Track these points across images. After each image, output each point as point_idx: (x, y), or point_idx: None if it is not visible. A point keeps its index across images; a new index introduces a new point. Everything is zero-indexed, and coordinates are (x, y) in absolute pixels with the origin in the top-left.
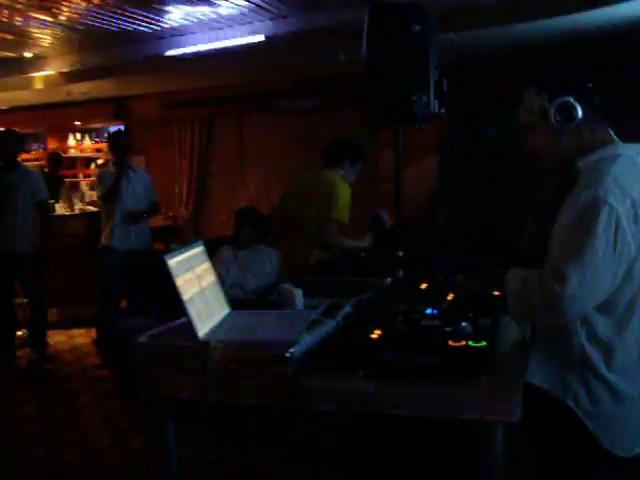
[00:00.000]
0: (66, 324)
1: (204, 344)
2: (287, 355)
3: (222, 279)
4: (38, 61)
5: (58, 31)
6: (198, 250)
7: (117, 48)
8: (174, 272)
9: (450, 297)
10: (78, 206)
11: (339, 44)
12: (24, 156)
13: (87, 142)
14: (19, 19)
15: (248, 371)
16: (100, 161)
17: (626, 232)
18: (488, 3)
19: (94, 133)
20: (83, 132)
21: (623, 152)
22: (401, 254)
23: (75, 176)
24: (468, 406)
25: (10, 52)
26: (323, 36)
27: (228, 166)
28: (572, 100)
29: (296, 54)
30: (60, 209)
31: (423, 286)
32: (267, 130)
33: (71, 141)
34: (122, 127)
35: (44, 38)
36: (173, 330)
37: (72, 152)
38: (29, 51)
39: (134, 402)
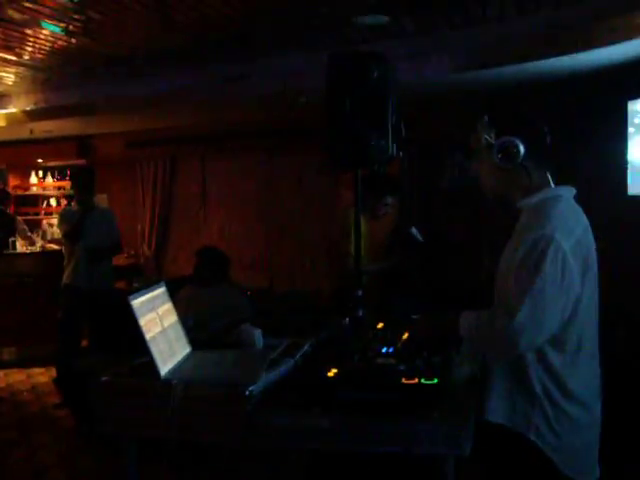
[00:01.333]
0: (24, 363)
1: (166, 383)
2: (247, 393)
3: (185, 318)
4: (1, 99)
5: (22, 70)
6: (160, 291)
7: (80, 88)
8: (138, 312)
9: (405, 336)
10: (39, 244)
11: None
12: None
13: (49, 180)
14: None
15: (208, 409)
16: (62, 200)
17: (572, 267)
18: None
19: (56, 171)
20: (45, 170)
21: (563, 194)
22: (360, 293)
23: (37, 214)
24: (420, 441)
25: None
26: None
27: (190, 205)
28: (517, 141)
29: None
30: (21, 247)
31: (379, 325)
32: (229, 170)
33: (33, 179)
34: (85, 165)
35: (7, 77)
36: (135, 369)
37: (34, 189)
38: None
39: (92, 441)
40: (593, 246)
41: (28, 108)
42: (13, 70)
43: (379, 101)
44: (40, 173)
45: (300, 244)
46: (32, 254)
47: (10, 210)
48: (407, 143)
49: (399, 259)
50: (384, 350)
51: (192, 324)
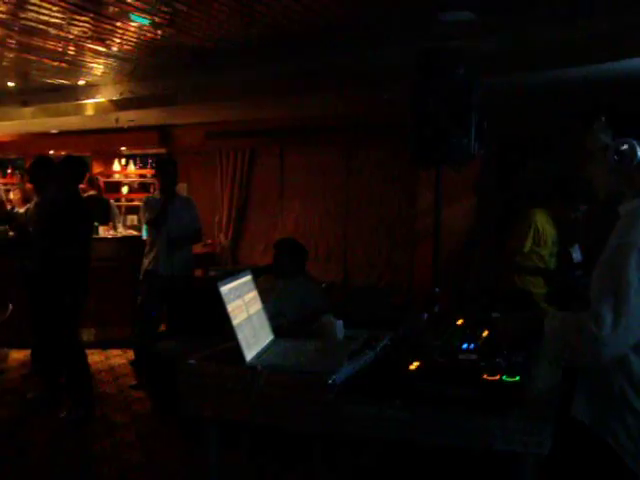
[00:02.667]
0: (103, 345)
1: (251, 368)
2: (329, 382)
3: (264, 307)
4: (90, 88)
5: (110, 61)
6: (247, 279)
7: (164, 79)
8: (226, 298)
9: (485, 334)
10: (119, 230)
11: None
12: None
13: (131, 167)
14: (73, 49)
15: (291, 396)
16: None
17: None
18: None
19: (138, 159)
20: (127, 157)
21: None
22: (437, 290)
23: (118, 200)
24: (500, 438)
25: (64, 79)
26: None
27: (268, 197)
28: (634, 143)
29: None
30: (103, 232)
31: (459, 322)
32: (307, 164)
33: (116, 166)
34: (168, 155)
35: (97, 67)
36: (220, 354)
37: (116, 177)
38: (82, 79)
39: (168, 423)
40: None
41: (114, 98)
42: (102, 61)
43: (463, 99)
44: (123, 161)
45: (376, 240)
46: (113, 239)
47: None
48: (490, 143)
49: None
50: (465, 346)
51: (271, 314)
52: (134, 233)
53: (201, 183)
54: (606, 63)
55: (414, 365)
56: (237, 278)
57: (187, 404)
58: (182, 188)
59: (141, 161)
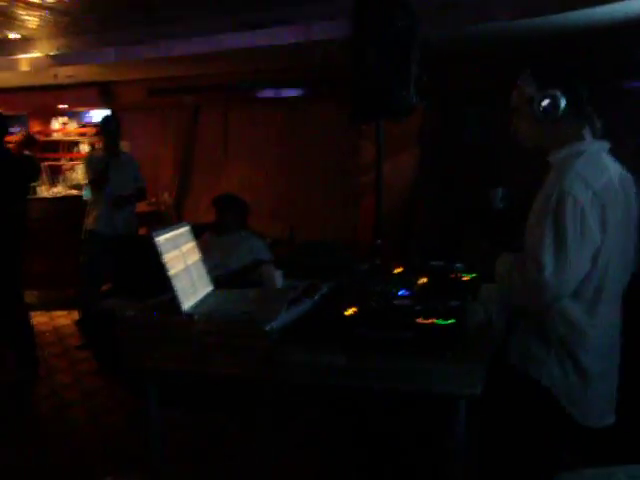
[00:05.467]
0: (47, 306)
1: (188, 317)
2: (267, 329)
3: (204, 263)
4: (24, 43)
5: (45, 14)
6: (184, 229)
7: (102, 34)
8: (161, 248)
9: (422, 281)
10: (59, 189)
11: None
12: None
13: (72, 126)
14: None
15: (228, 343)
16: (83, 147)
17: (590, 220)
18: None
19: (78, 117)
20: (68, 115)
21: (587, 149)
22: (379, 242)
23: (57, 159)
24: (435, 380)
25: None
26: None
27: (212, 154)
28: (558, 94)
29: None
30: (41, 192)
31: (397, 270)
32: (251, 120)
33: (55, 124)
34: (111, 112)
35: (32, 20)
36: (157, 306)
37: (55, 135)
38: (16, 32)
39: (113, 381)
40: (621, 195)
41: (52, 53)
42: (37, 14)
43: (403, 51)
44: (62, 119)
45: (321, 195)
46: (53, 199)
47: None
48: (429, 95)
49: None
50: (401, 292)
51: (211, 267)
52: (74, 192)
53: (144, 141)
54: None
55: (350, 311)
56: (173, 229)
57: (127, 356)
58: (125, 146)
59: (81, 119)
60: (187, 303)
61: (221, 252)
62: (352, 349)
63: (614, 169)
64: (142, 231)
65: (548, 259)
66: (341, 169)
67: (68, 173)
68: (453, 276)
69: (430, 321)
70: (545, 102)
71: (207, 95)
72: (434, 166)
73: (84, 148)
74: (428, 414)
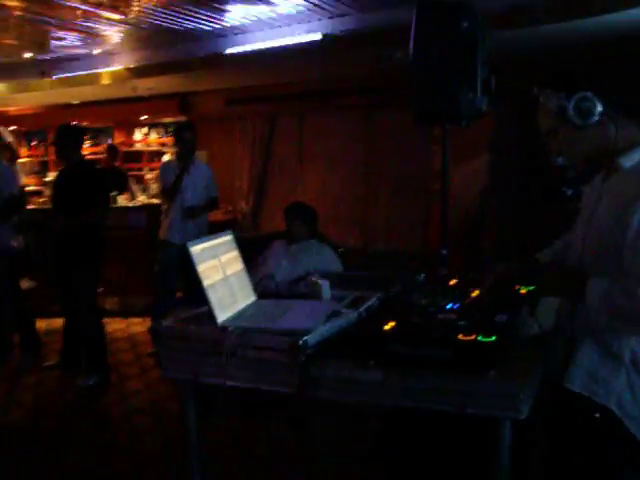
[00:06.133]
0: (125, 313)
1: (222, 329)
2: (300, 343)
3: (273, 273)
4: (106, 57)
5: (126, 29)
6: (225, 239)
7: (181, 45)
8: (196, 259)
9: (475, 293)
10: (140, 198)
11: (396, 42)
12: (93, 149)
13: (153, 136)
14: (88, 18)
15: (263, 357)
16: (166, 157)
17: None
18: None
19: (159, 128)
20: (149, 126)
21: None
22: (444, 252)
23: (140, 169)
24: (474, 401)
25: (80, 49)
26: (380, 34)
27: (288, 162)
28: (589, 94)
29: (353, 52)
30: (122, 201)
31: (452, 282)
32: (327, 128)
33: (137, 135)
34: (187, 121)
35: (112, 35)
36: (198, 317)
37: (138, 146)
38: (98, 47)
39: (181, 390)
40: None
41: (131, 66)
42: (117, 29)
43: (468, 53)
44: (144, 130)
45: (396, 203)
46: (134, 208)
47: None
48: (504, 97)
49: None
50: (449, 306)
51: (279, 276)
52: (155, 201)
53: (222, 150)
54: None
55: (389, 325)
56: (213, 238)
57: (166, 367)
58: (203, 155)
59: (162, 130)
60: (224, 315)
61: (290, 261)
62: (387, 365)
63: None
64: None
65: None
66: (416, 176)
67: (150, 183)
68: (511, 289)
69: (471, 338)
70: (580, 107)
71: (283, 104)
72: (507, 176)
73: (166, 158)
74: (472, 438)
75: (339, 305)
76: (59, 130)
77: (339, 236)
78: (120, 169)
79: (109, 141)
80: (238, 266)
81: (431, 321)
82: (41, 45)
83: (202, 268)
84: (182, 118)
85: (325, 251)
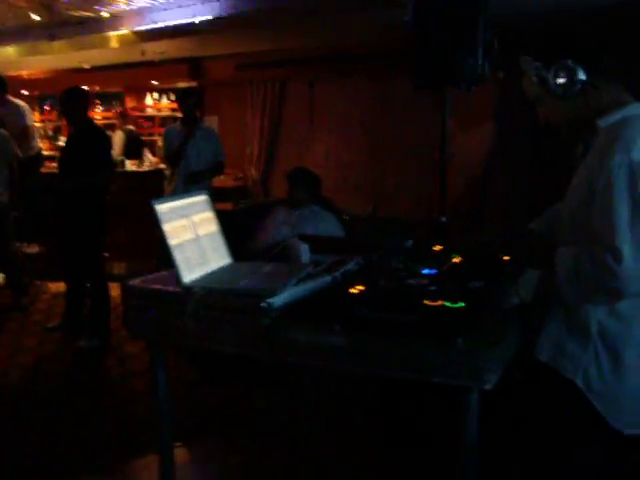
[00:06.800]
0: (131, 277)
1: (186, 289)
2: (263, 305)
3: (273, 238)
4: (114, 20)
5: None
6: (199, 199)
7: (189, 8)
8: (162, 217)
9: (457, 260)
10: (148, 163)
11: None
12: (104, 114)
13: (164, 101)
14: None
15: (225, 319)
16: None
17: None
18: None
19: (170, 92)
20: (160, 92)
21: None
22: (444, 219)
23: (151, 134)
24: (439, 369)
25: (88, 12)
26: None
27: (298, 128)
28: (570, 62)
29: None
30: (130, 166)
31: (437, 248)
32: (337, 94)
33: (148, 100)
34: (191, 87)
35: None
36: (166, 277)
37: (149, 111)
38: (106, 10)
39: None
40: None
41: (138, 29)
42: None
43: (468, 17)
44: (155, 95)
45: (405, 170)
46: (140, 173)
47: None
48: (506, 65)
49: None
50: (426, 271)
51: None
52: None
53: (232, 116)
54: None
55: (356, 289)
56: (183, 197)
57: (131, 327)
58: (213, 120)
59: (173, 94)
60: (190, 275)
61: (291, 226)
62: (352, 330)
63: None
64: (229, 206)
65: (627, 245)
66: (424, 143)
67: (160, 148)
68: (493, 256)
69: (437, 303)
70: (560, 77)
71: (294, 69)
72: (509, 148)
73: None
74: (440, 406)
75: (314, 269)
76: (63, 94)
77: (348, 202)
78: (136, 135)
79: (120, 107)
80: (212, 227)
81: (400, 285)
82: (48, 7)
83: (169, 227)
84: (193, 83)
85: (327, 217)
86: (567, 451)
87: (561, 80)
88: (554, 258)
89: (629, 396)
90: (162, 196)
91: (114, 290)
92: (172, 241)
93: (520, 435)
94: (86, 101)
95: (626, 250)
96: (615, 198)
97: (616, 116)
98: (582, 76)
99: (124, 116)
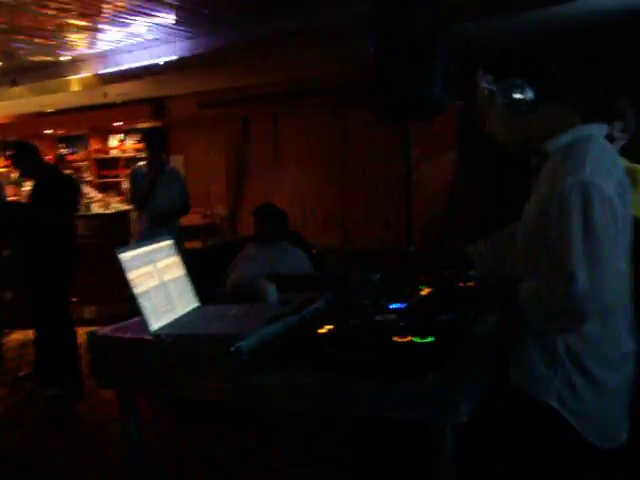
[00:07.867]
0: (104, 320)
1: (155, 337)
2: (232, 350)
3: (244, 275)
4: (75, 64)
5: (93, 34)
6: (164, 244)
7: (148, 50)
8: (126, 265)
9: (425, 292)
10: (116, 205)
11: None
12: (72, 157)
13: (129, 142)
14: (55, 24)
15: (195, 365)
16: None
17: (618, 214)
18: None
19: (136, 134)
20: (125, 133)
21: (593, 132)
22: (412, 248)
23: (117, 176)
24: (410, 406)
25: (48, 57)
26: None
27: (264, 164)
28: (519, 82)
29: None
30: (97, 208)
31: (404, 280)
32: (300, 128)
33: (113, 142)
34: (156, 127)
35: (80, 42)
36: (134, 325)
37: (114, 152)
38: (66, 54)
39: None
40: (629, 188)
41: (100, 72)
42: (84, 36)
43: (426, 47)
44: (120, 136)
45: (373, 200)
46: (108, 215)
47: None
48: (466, 93)
49: None
50: (393, 306)
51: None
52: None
53: (198, 154)
54: None
55: (325, 328)
56: (147, 244)
57: (99, 377)
58: (179, 160)
59: (137, 136)
60: (158, 323)
61: (262, 264)
62: (320, 370)
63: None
64: (197, 244)
65: (579, 268)
66: (390, 174)
67: (126, 190)
68: (461, 285)
69: (406, 339)
70: (509, 94)
71: (256, 105)
72: (472, 175)
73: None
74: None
75: (282, 308)
76: (13, 152)
77: (317, 236)
78: (71, 177)
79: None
80: (178, 272)
81: (368, 323)
82: (9, 53)
83: (133, 275)
84: (157, 123)
85: (295, 252)
86: (549, 472)
87: (508, 97)
88: (517, 297)
89: (604, 411)
90: (130, 238)
91: (84, 335)
92: (138, 289)
93: (505, 462)
94: (30, 152)
95: (580, 273)
96: (569, 221)
97: (564, 139)
98: (530, 96)
99: (62, 161)
